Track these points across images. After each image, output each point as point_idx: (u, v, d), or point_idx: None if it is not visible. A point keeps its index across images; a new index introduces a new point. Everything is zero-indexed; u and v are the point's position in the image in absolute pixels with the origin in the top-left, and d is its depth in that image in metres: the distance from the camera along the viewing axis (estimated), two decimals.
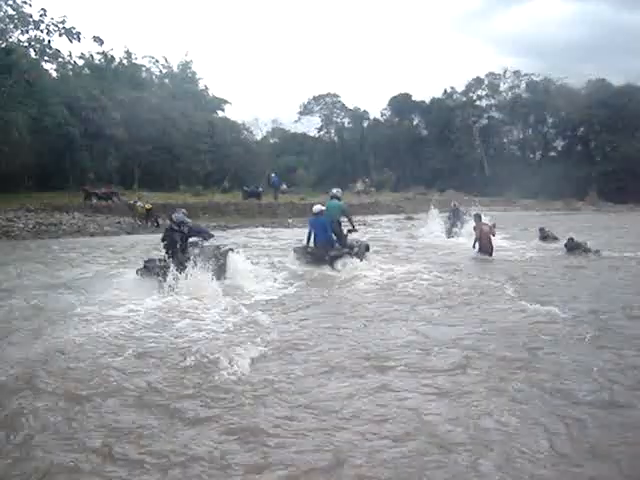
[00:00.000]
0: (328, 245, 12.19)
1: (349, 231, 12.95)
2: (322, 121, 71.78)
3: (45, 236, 21.72)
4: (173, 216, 10.62)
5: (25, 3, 33.92)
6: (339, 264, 11.83)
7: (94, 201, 30.90)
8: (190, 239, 10.52)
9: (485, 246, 14.57)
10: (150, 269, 10.07)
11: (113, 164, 39.96)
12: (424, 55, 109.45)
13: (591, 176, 53.73)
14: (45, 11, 34.60)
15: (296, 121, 71.64)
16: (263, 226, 27.05)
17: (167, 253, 10.29)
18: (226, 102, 59.36)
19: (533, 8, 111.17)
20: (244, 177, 47.05)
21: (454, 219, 19.92)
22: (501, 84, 67.41)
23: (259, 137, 67.10)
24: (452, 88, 68.80)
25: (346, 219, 13.12)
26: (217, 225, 27.07)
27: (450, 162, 61.82)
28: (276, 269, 12.18)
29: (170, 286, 9.19)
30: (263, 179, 39.12)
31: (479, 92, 68.22)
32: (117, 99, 40.96)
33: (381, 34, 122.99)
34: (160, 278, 9.49)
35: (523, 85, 66.26)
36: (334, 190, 13.81)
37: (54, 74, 40.82)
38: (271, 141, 69.79)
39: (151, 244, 16.96)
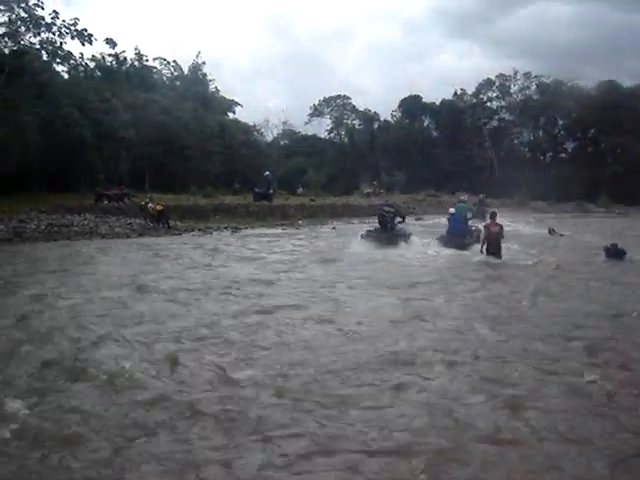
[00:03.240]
0: (460, 234, 17.02)
1: (469, 218, 18.05)
2: (332, 123, 71.61)
3: (57, 237, 21.75)
4: (385, 208, 18.01)
5: (37, 6, 34.20)
6: (468, 247, 16.47)
7: (105, 202, 30.99)
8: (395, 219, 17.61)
9: (493, 247, 14.48)
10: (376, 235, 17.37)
11: (124, 165, 40.07)
12: (433, 58, 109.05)
13: (602, 178, 53.28)
14: (57, 14, 34.99)
15: (307, 123, 71.49)
16: (282, 227, 27.65)
17: (381, 226, 17.52)
18: (237, 104, 59.56)
19: (536, 10, 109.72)
20: (254, 178, 47.04)
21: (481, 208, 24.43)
22: (511, 86, 67.02)
23: (269, 138, 67.19)
24: (462, 90, 68.36)
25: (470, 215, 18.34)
26: (227, 226, 27.10)
27: (460, 164, 61.48)
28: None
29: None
30: (273, 181, 39.16)
31: (489, 94, 67.91)
32: (128, 101, 41.12)
33: (388, 37, 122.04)
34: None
35: (533, 87, 65.89)
36: (462, 197, 20.38)
37: (65, 76, 41.04)
38: (281, 143, 69.66)
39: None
